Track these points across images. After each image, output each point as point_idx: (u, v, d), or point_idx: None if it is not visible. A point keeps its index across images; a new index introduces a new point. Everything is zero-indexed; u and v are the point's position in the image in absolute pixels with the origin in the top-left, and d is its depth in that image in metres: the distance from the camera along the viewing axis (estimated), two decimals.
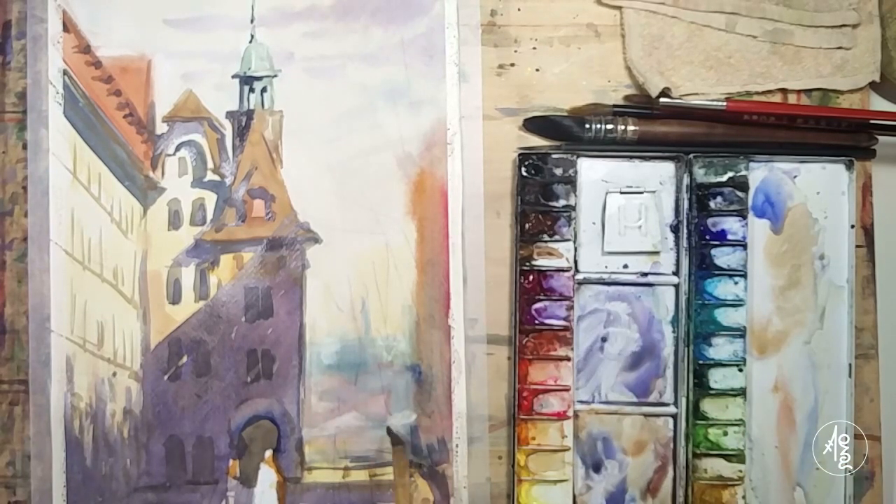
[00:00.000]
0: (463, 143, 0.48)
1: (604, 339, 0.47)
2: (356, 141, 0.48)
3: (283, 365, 0.48)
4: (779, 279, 0.48)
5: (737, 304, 0.46)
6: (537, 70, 0.49)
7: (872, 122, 0.48)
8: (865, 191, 0.48)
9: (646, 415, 0.47)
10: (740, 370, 0.46)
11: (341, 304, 0.48)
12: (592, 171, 0.48)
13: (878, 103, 0.50)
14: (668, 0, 0.48)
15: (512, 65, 0.49)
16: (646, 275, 0.47)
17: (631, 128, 0.47)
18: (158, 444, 0.48)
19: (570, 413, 0.47)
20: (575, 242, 0.47)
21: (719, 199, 0.47)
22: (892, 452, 0.49)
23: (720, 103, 0.47)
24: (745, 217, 0.47)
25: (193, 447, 0.48)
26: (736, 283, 0.46)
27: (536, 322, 0.46)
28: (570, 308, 0.47)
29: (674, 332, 0.47)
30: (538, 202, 0.47)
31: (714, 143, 0.47)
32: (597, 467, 0.47)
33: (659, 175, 0.48)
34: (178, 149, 0.48)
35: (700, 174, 0.47)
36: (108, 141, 0.48)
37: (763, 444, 0.47)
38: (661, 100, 0.47)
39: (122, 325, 0.48)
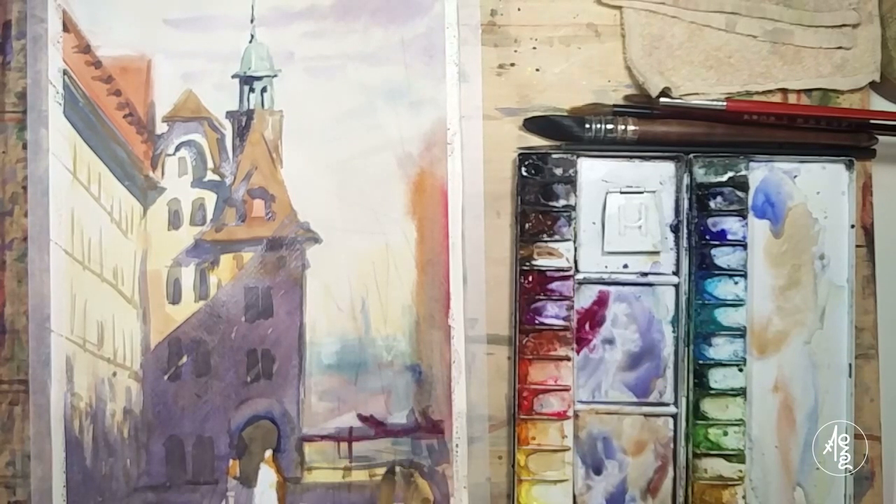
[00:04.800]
0: (463, 143, 0.48)
1: (604, 341, 0.47)
2: (356, 141, 0.48)
3: (283, 365, 0.48)
4: (779, 279, 0.48)
5: (737, 304, 0.46)
6: (537, 70, 0.49)
7: (872, 122, 0.48)
8: (865, 191, 0.48)
9: (646, 415, 0.47)
10: (740, 370, 0.46)
11: (341, 304, 0.48)
12: (592, 171, 0.48)
13: (878, 103, 0.50)
14: (668, 0, 0.48)
15: (512, 65, 0.49)
16: (646, 275, 0.47)
17: (631, 128, 0.47)
18: (158, 444, 0.48)
19: (570, 413, 0.47)
20: (575, 242, 0.47)
21: (719, 198, 0.47)
22: (892, 452, 0.49)
23: (720, 103, 0.47)
24: (745, 217, 0.47)
25: (193, 447, 0.48)
26: (736, 282, 0.46)
27: (536, 322, 0.46)
28: (570, 308, 0.47)
29: (674, 331, 0.47)
30: (538, 202, 0.47)
31: (714, 143, 0.47)
32: (597, 467, 0.47)
33: (659, 175, 0.48)
34: (178, 149, 0.48)
35: (700, 174, 0.47)
36: (108, 141, 0.48)
37: (763, 444, 0.47)
38: (661, 100, 0.47)
39: (122, 325, 0.48)
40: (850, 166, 0.47)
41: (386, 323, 0.48)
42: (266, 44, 0.48)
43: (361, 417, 0.48)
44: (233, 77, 0.48)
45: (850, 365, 0.47)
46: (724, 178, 0.47)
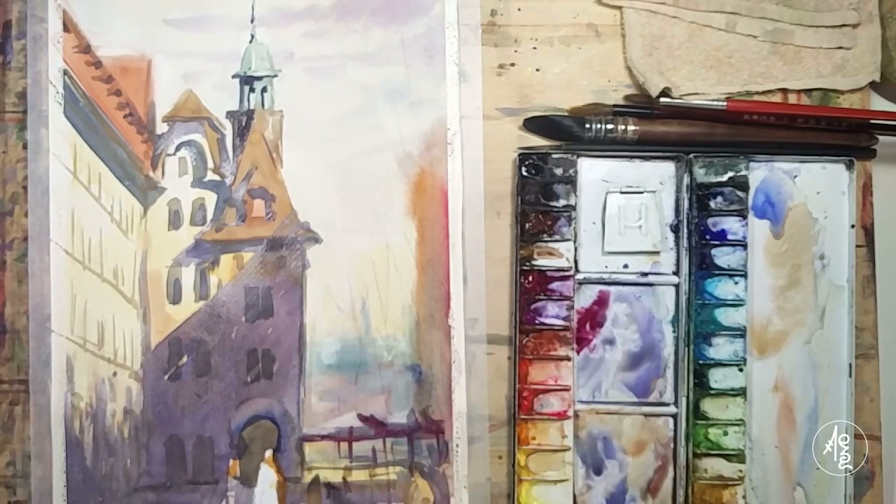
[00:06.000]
0: (463, 143, 0.48)
1: (604, 341, 0.47)
2: (356, 141, 0.48)
3: (284, 365, 0.48)
4: (779, 279, 0.48)
5: (737, 303, 0.46)
6: (537, 70, 0.49)
7: (872, 122, 0.48)
8: (865, 191, 0.48)
9: (646, 415, 0.47)
10: (740, 370, 0.46)
11: (341, 304, 0.48)
12: (592, 171, 0.48)
13: (878, 103, 0.50)
14: (669, 0, 0.48)
15: (512, 65, 0.49)
16: (646, 275, 0.47)
17: (631, 128, 0.47)
18: (159, 443, 0.48)
19: (571, 413, 0.47)
20: (575, 242, 0.47)
21: (719, 198, 0.47)
22: (892, 452, 0.49)
23: (720, 103, 0.47)
24: (745, 217, 0.47)
25: (193, 447, 0.48)
26: (736, 282, 0.46)
27: (536, 322, 0.46)
28: (570, 308, 0.47)
29: (674, 331, 0.47)
30: (538, 202, 0.47)
31: (714, 142, 0.47)
32: (597, 467, 0.47)
33: (659, 175, 0.48)
34: (178, 148, 0.48)
35: (700, 174, 0.47)
36: (108, 141, 0.48)
37: (763, 444, 0.47)
38: (662, 100, 0.47)
39: (122, 325, 0.48)
40: (850, 166, 0.47)
41: (386, 323, 0.48)
42: (266, 44, 0.48)
43: (361, 417, 0.48)
44: (233, 77, 0.48)
45: (850, 365, 0.47)
46: (725, 178, 0.47)
